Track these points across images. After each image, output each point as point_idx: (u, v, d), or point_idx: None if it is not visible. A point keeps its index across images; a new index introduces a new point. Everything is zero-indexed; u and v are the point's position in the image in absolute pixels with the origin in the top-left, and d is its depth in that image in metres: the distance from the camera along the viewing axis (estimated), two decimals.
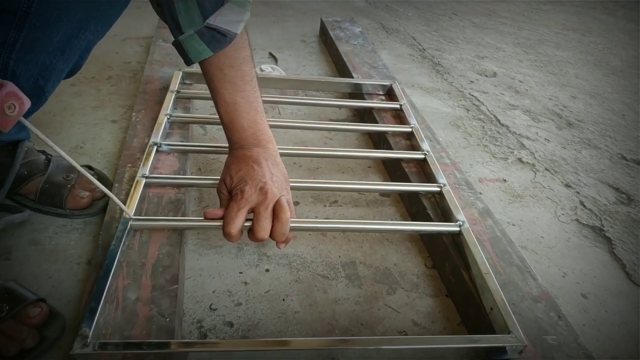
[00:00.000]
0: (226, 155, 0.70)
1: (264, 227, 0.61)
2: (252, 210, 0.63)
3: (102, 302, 0.54)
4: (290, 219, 0.63)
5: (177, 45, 0.65)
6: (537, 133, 1.22)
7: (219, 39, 0.64)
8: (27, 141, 0.74)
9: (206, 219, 0.65)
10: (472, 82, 1.47)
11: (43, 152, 0.79)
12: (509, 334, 0.57)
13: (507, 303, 0.60)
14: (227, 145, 0.71)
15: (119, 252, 0.60)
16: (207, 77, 0.68)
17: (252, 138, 0.69)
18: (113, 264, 0.58)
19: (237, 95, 0.67)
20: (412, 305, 0.69)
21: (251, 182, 0.63)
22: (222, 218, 0.63)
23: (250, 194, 0.62)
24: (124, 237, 0.63)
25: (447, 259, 0.72)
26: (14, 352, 0.52)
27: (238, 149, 0.69)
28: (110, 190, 0.75)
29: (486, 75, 1.54)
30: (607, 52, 1.89)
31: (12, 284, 0.58)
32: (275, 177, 0.66)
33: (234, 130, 0.69)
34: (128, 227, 0.64)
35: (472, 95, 1.37)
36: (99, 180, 0.79)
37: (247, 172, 0.65)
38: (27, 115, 0.66)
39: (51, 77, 0.64)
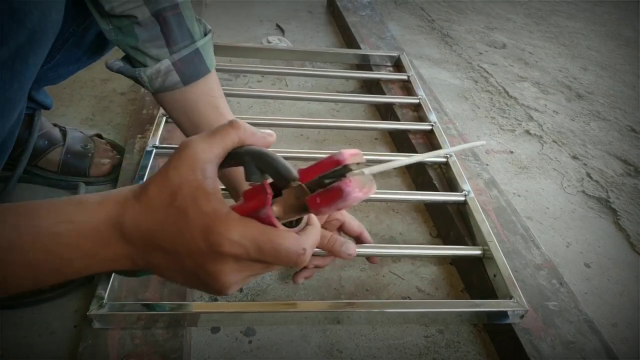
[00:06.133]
0: None
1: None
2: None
3: None
4: None
5: (189, 55, 0.55)
6: (546, 105, 1.21)
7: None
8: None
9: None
10: (481, 53, 1.45)
11: (56, 125, 0.80)
12: (511, 299, 0.58)
13: (510, 270, 0.62)
14: (235, 116, 0.71)
15: None
16: (204, 102, 0.57)
17: None
18: None
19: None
20: (416, 273, 0.70)
21: None
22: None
23: None
24: None
25: (452, 228, 0.73)
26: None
27: None
28: (122, 159, 0.76)
29: (495, 47, 1.52)
30: (620, 22, 1.85)
31: None
32: None
33: None
34: None
35: (481, 67, 1.36)
36: (112, 148, 0.81)
37: None
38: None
39: None
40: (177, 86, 0.56)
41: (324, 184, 0.30)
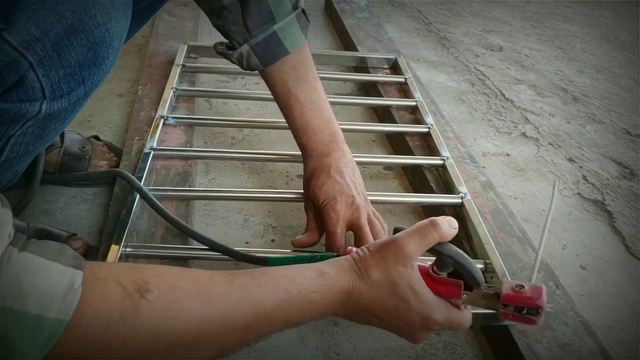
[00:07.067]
0: (233, 130, 0.69)
1: (370, 239, 0.59)
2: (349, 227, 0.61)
3: None
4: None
5: (265, 40, 0.60)
6: (542, 108, 1.22)
7: (306, 24, 0.62)
8: None
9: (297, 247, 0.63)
10: (477, 56, 1.46)
11: None
12: None
13: (506, 272, 0.62)
14: (233, 118, 0.72)
15: (129, 222, 0.62)
16: (276, 79, 0.63)
17: (330, 139, 0.64)
18: (124, 233, 0.60)
19: (312, 93, 0.63)
20: None
21: (340, 198, 0.59)
22: (310, 245, 0.62)
23: (343, 212, 0.59)
24: (134, 207, 0.64)
25: None
26: None
27: (316, 157, 0.63)
28: (119, 161, 0.76)
29: (492, 50, 1.53)
30: (616, 25, 1.86)
31: (41, 225, 0.62)
32: (359, 185, 0.62)
33: (311, 133, 0.63)
34: (138, 197, 0.66)
35: (478, 70, 1.37)
36: (110, 150, 0.81)
37: (332, 185, 0.60)
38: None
39: None
40: (259, 68, 0.63)
41: (519, 309, 0.45)
